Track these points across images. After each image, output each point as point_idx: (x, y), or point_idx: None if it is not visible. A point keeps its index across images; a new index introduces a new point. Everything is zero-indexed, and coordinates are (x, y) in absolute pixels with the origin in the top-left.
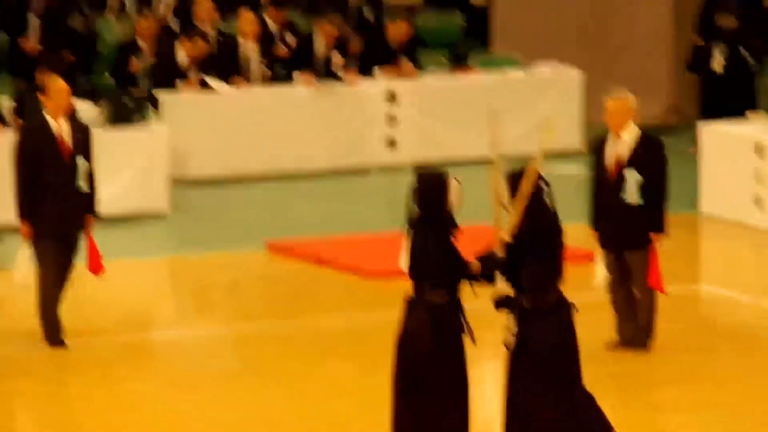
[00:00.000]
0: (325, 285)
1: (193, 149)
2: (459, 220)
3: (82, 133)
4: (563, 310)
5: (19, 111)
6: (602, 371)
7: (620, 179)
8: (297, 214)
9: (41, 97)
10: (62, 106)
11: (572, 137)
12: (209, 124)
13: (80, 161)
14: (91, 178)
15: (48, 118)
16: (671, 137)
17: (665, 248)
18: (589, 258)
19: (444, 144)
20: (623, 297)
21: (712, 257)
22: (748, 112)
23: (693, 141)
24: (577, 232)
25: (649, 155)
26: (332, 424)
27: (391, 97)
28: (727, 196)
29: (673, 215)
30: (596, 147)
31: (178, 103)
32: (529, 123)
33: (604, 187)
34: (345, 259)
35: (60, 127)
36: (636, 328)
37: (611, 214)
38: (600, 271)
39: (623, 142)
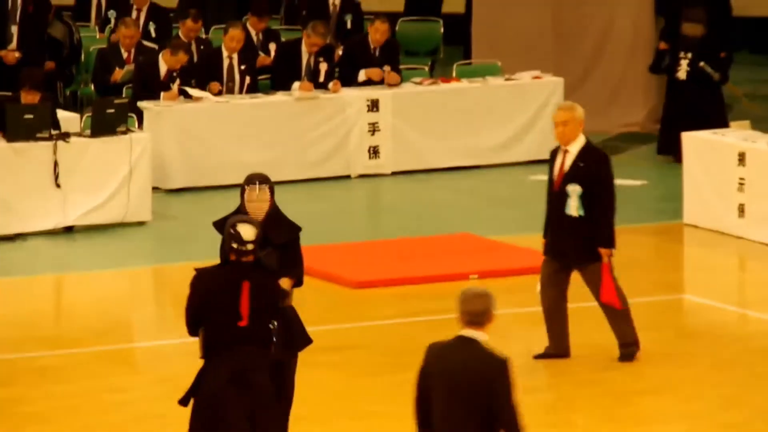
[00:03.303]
0: (306, 294)
1: (175, 158)
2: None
3: None
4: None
5: (0, 123)
6: (584, 380)
7: (563, 192)
8: None
9: None
10: None
11: (554, 144)
12: (191, 134)
13: None
14: None
15: None
16: (654, 145)
17: (650, 256)
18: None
19: (425, 152)
20: (552, 307)
21: (695, 266)
22: (731, 123)
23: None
24: None
25: (591, 168)
26: None
27: (373, 105)
28: (710, 205)
29: (657, 224)
30: (551, 157)
31: (160, 113)
32: (511, 131)
33: (551, 199)
34: (327, 268)
35: None
36: (619, 341)
37: (556, 226)
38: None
39: (570, 154)
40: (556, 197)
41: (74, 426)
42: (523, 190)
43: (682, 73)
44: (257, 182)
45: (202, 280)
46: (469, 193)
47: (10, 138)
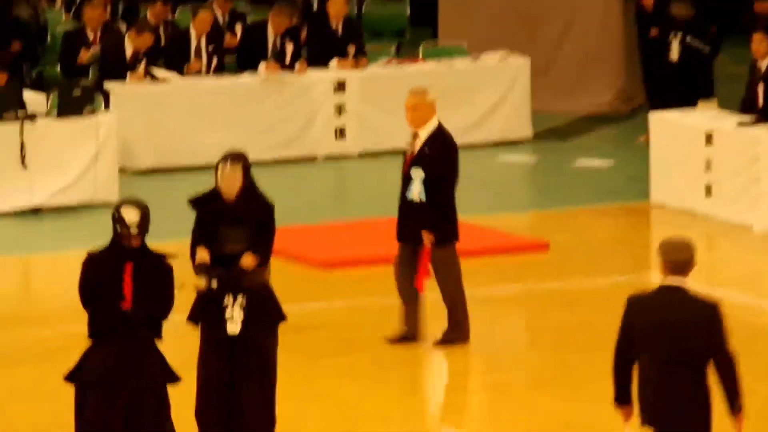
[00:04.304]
0: (272, 274)
1: (142, 139)
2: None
3: None
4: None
5: None
6: (545, 365)
7: (408, 176)
8: None
9: None
10: None
11: (521, 125)
12: (157, 115)
13: None
14: None
15: None
16: (621, 125)
17: (617, 237)
18: (543, 247)
19: (391, 134)
20: (408, 289)
21: None
22: (699, 101)
23: (644, 129)
24: (525, 220)
25: (435, 154)
26: (281, 417)
27: (340, 87)
28: (677, 184)
29: (623, 204)
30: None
31: (127, 94)
32: (477, 112)
33: (402, 183)
34: (293, 248)
35: None
36: (450, 322)
37: (403, 210)
38: None
39: (419, 139)
40: (404, 181)
41: (36, 405)
42: (491, 170)
43: (674, 54)
44: (229, 160)
45: (90, 263)
46: None
47: None
